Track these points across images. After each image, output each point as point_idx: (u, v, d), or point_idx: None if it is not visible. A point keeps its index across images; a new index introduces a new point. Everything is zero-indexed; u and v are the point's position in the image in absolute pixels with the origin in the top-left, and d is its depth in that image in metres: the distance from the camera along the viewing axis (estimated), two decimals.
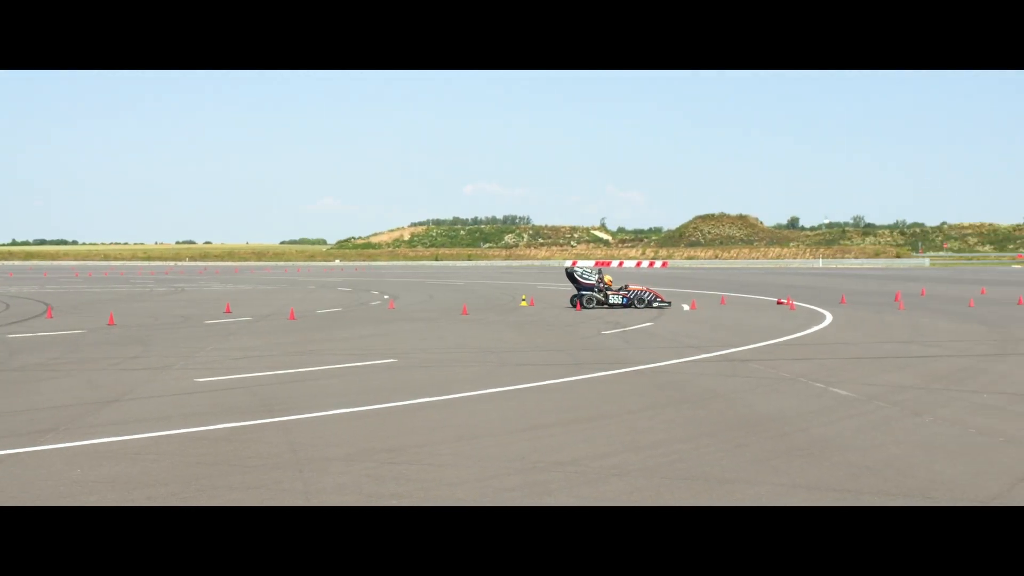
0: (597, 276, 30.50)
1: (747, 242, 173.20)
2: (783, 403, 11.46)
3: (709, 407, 11.25)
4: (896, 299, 33.67)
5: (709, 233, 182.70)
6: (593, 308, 29.30)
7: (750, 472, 7.94)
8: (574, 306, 29.77)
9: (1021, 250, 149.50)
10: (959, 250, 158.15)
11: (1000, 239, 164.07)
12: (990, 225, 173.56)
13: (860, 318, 25.11)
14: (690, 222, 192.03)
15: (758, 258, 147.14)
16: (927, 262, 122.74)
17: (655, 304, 29.45)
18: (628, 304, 29.44)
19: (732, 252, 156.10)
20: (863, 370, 14.40)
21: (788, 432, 9.64)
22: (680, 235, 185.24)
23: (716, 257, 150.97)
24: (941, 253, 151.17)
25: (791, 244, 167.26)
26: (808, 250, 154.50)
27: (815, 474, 7.83)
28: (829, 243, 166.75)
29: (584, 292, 29.88)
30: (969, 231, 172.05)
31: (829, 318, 25.09)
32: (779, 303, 31.85)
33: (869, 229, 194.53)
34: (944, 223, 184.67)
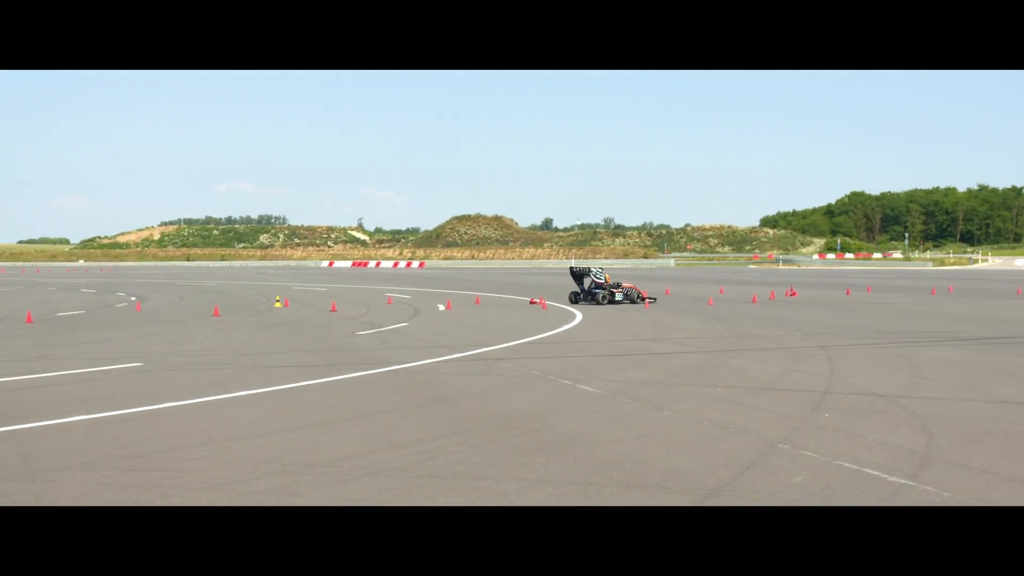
0: (603, 276, 33.10)
1: (503, 243, 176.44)
2: (533, 400, 11.76)
3: (461, 406, 11.41)
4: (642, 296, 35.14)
5: (466, 234, 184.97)
6: (605, 304, 31.36)
7: (498, 468, 8.11)
8: (577, 302, 32.50)
9: (756, 251, 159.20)
10: (701, 251, 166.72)
11: (738, 240, 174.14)
12: (729, 227, 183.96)
13: (608, 317, 26.04)
14: (447, 223, 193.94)
15: (513, 258, 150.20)
16: (672, 262, 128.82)
17: (640, 300, 32.67)
18: (626, 300, 32.45)
19: (488, 252, 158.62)
20: (609, 367, 14.96)
21: (536, 429, 9.91)
22: (437, 236, 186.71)
23: (473, 257, 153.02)
24: (685, 253, 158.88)
25: (545, 245, 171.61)
26: (561, 250, 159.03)
27: (560, 469, 8.09)
28: (581, 244, 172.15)
29: (597, 290, 32.26)
30: (710, 233, 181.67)
31: (579, 317, 25.91)
32: (532, 303, 32.63)
33: (619, 230, 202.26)
34: (688, 225, 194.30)
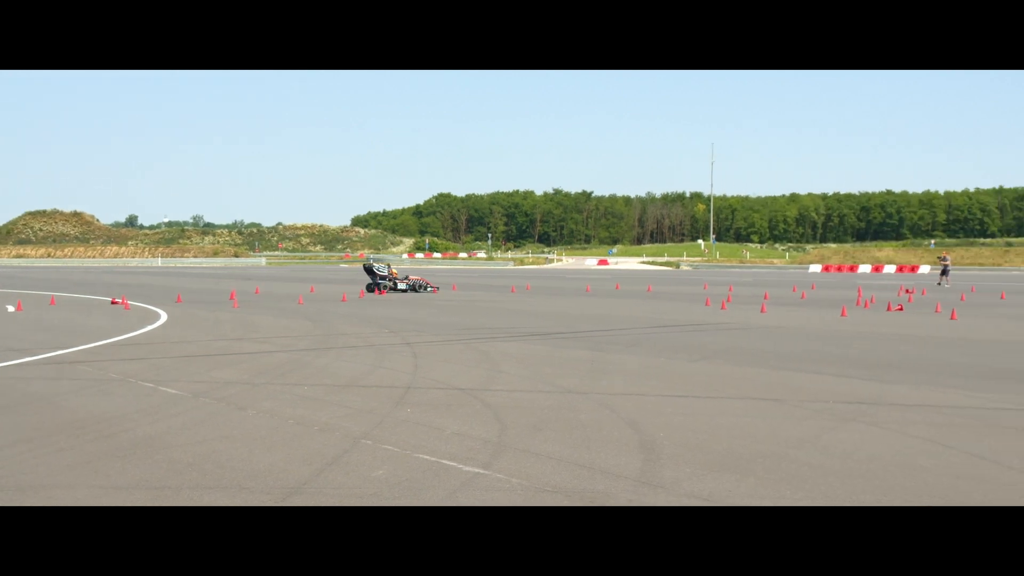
0: (388, 270, 40.09)
1: (83, 240, 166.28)
2: (110, 404, 11.18)
3: (29, 413, 10.62)
4: (231, 297, 34.45)
5: (41, 231, 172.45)
6: (390, 293, 38.34)
7: (70, 476, 7.65)
8: (372, 292, 38.27)
9: (348, 250, 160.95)
10: (293, 250, 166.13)
11: (330, 240, 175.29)
12: (321, 226, 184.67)
13: (195, 316, 25.29)
14: (19, 218, 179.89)
15: (95, 256, 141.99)
16: (263, 261, 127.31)
17: (427, 290, 39.60)
18: (410, 290, 39.24)
19: (66, 250, 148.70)
20: (194, 368, 14.53)
21: (113, 433, 9.44)
22: (8, 232, 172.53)
23: (49, 255, 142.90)
24: (277, 252, 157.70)
25: (130, 243, 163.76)
26: (147, 249, 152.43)
27: (136, 473, 7.76)
28: (169, 242, 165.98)
29: (381, 281, 39.23)
30: (303, 232, 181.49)
31: (164, 317, 24.96)
32: (114, 303, 31.02)
33: (209, 228, 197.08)
34: (280, 224, 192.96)
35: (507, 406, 11.12)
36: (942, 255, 56.82)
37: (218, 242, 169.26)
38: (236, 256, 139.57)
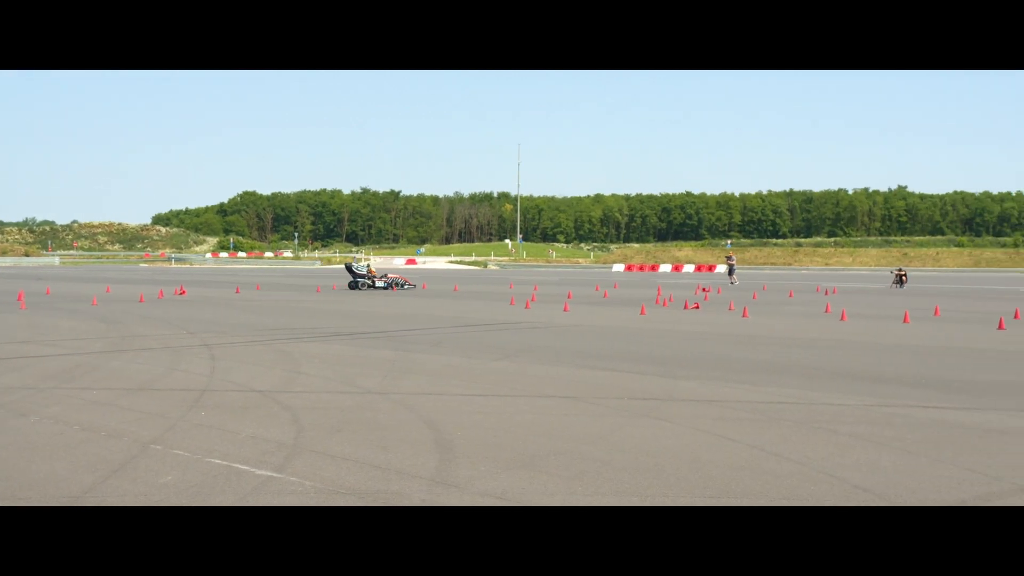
0: (366, 269, 44.38)
1: None
2: None
3: None
4: (19, 298, 32.76)
5: None
6: (368, 290, 41.89)
7: None
8: (354, 289, 42.20)
9: (148, 249, 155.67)
10: (90, 249, 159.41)
11: (129, 238, 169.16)
12: (120, 225, 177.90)
13: None
14: None
15: None
16: (57, 260, 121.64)
17: (405, 287, 43.02)
18: (388, 287, 42.37)
19: None
20: None
21: None
22: None
23: None
24: (72, 252, 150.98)
25: None
26: None
27: None
28: None
29: (359, 279, 42.92)
30: (99, 230, 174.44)
31: None
32: None
33: None
34: (75, 222, 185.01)
35: (306, 408, 10.97)
36: (729, 255, 59.15)
37: (7, 240, 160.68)
38: (27, 255, 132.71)
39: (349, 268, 44.79)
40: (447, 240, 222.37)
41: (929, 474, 7.80)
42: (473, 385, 12.94)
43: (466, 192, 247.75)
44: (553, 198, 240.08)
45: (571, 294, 39.54)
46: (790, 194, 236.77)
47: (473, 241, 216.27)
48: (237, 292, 39.81)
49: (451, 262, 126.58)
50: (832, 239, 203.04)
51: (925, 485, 7.42)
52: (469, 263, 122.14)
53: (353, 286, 42.83)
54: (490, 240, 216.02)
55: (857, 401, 11.60)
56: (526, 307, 30.18)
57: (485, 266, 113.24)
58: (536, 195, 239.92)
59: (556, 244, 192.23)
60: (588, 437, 9.29)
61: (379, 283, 42.68)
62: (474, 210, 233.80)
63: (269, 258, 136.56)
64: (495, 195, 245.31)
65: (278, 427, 9.76)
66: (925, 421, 10.29)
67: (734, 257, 56.70)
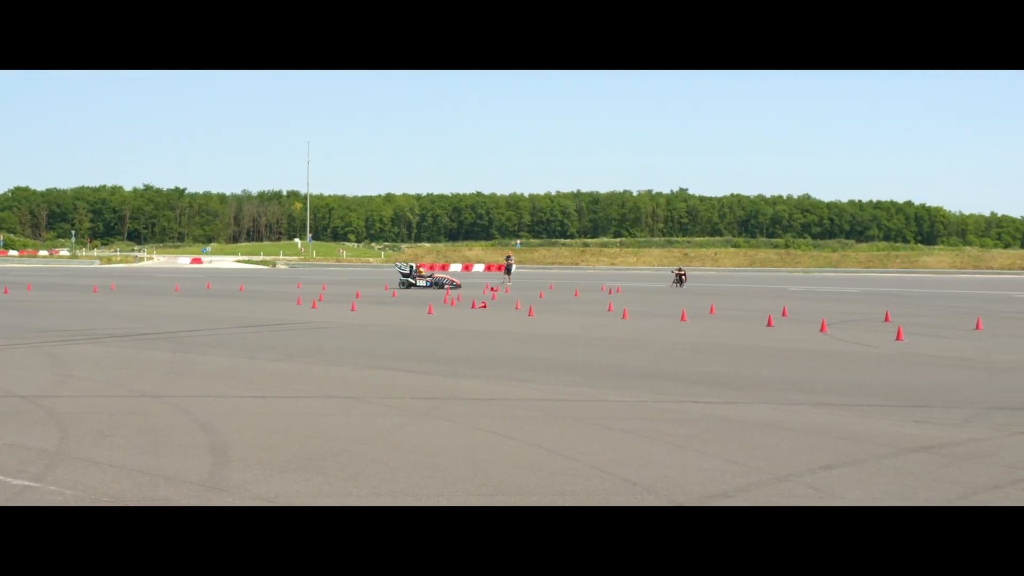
0: (410, 269, 46.35)
1: None
2: None
3: None
4: None
5: None
6: (413, 288, 43.76)
7: None
8: (408, 288, 43.94)
9: None
10: None
11: None
12: None
13: None
14: None
15: None
16: None
17: (451, 287, 44.09)
18: (430, 286, 44.31)
19: None
20: None
21: None
22: None
23: None
24: None
25: None
26: None
27: None
28: None
29: (406, 278, 44.78)
30: None
31: None
32: None
33: None
34: None
35: (73, 413, 10.47)
36: (507, 255, 59.84)
37: None
38: None
39: (408, 273, 46.04)
40: (235, 239, 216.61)
41: (695, 467, 8.12)
42: (253, 387, 12.67)
43: (255, 190, 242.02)
44: (344, 197, 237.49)
45: (359, 294, 39.27)
46: (578, 195, 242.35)
47: (262, 240, 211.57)
48: (6, 292, 37.67)
49: (239, 261, 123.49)
50: (618, 239, 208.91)
51: (691, 478, 7.72)
52: (257, 262, 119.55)
53: (407, 285, 44.69)
54: (279, 239, 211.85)
55: (633, 397, 11.98)
56: (313, 307, 29.79)
57: (274, 265, 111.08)
58: (327, 194, 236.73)
59: (347, 243, 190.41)
60: (367, 438, 9.24)
61: (420, 282, 44.80)
62: (263, 208, 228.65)
63: (44, 256, 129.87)
64: (285, 193, 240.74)
65: (41, 434, 9.28)
66: (696, 416, 10.72)
67: (512, 257, 57.30)
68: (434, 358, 16.21)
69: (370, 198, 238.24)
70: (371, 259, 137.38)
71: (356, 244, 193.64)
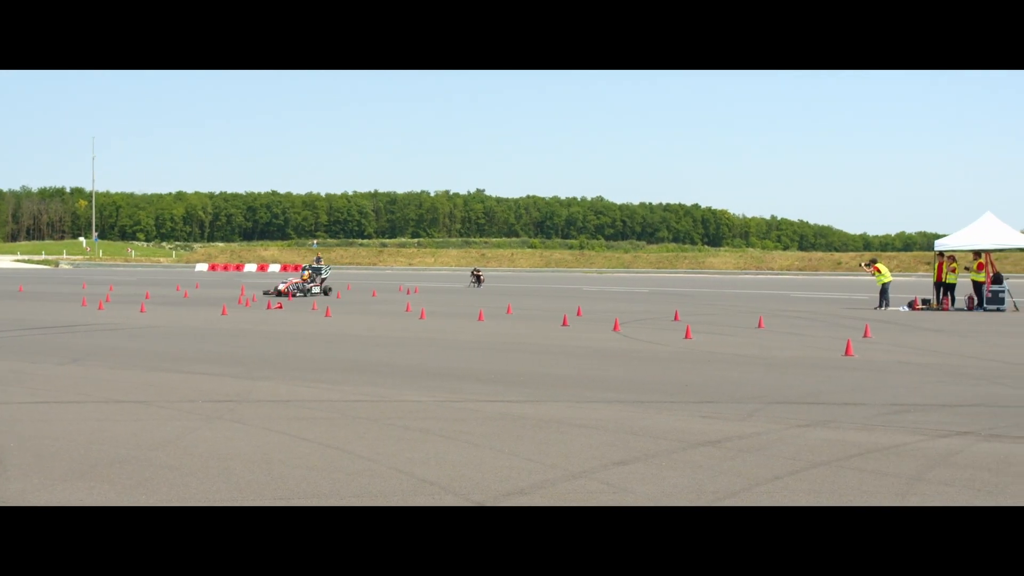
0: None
1: None
2: None
3: None
4: None
5: None
6: None
7: None
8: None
9: None
10: None
11: None
12: None
13: None
14: None
15: None
16: None
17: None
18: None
19: None
20: None
21: None
22: None
23: None
24: None
25: None
26: None
27: None
28: None
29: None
30: None
31: None
32: None
33: None
34: None
35: None
36: (317, 256, 58.87)
37: None
38: None
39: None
40: (13, 237, 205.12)
41: (492, 465, 8.19)
42: (35, 392, 12.06)
43: (35, 186, 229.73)
44: (133, 195, 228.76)
45: (149, 294, 37.90)
46: (375, 195, 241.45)
47: (44, 239, 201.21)
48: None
49: (17, 261, 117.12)
50: (416, 240, 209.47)
51: (488, 476, 7.78)
52: (39, 262, 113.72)
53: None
54: (63, 238, 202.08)
55: (430, 397, 12.00)
56: (100, 308, 28.57)
57: (57, 265, 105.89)
58: (114, 191, 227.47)
59: (136, 243, 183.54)
60: (157, 443, 8.91)
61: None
62: (44, 206, 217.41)
63: None
64: (68, 191, 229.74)
65: None
66: (492, 414, 10.82)
67: (321, 258, 56.44)
68: (228, 360, 15.80)
69: (160, 196, 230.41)
70: (162, 259, 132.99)
71: (146, 243, 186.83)
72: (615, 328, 22.81)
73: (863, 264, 35.04)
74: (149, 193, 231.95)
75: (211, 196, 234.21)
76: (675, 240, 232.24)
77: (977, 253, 31.53)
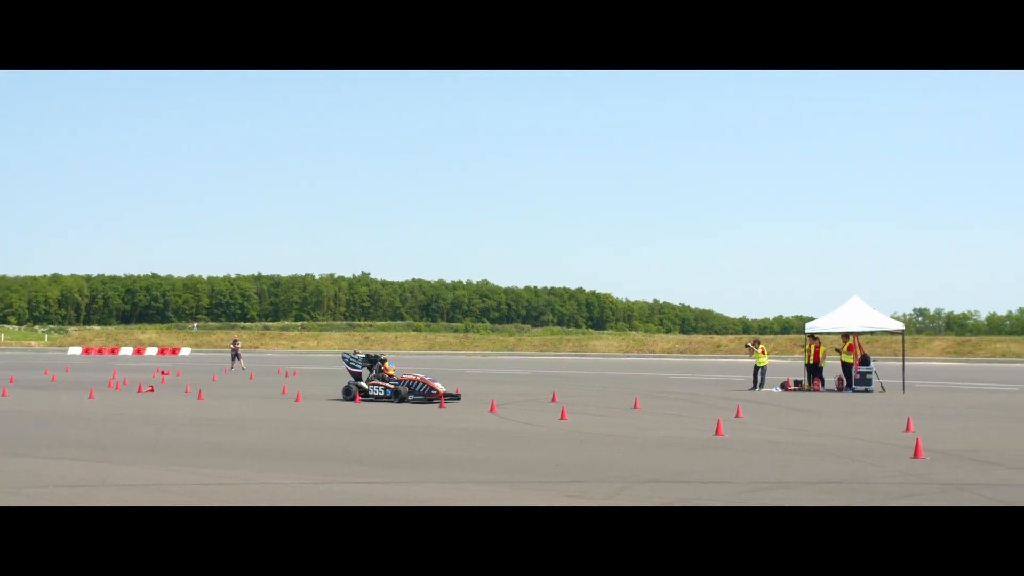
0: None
1: None
2: None
3: None
4: None
5: None
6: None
7: None
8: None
9: None
10: None
11: None
12: None
13: None
14: None
15: None
16: None
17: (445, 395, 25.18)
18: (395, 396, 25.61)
19: None
20: None
21: None
22: None
23: None
24: None
25: None
26: None
27: None
28: None
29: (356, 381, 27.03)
30: None
31: None
32: None
33: None
34: None
35: None
36: (234, 339, 57.38)
37: None
38: None
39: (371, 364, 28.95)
40: None
41: None
42: None
43: None
44: (5, 277, 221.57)
45: (13, 378, 36.54)
46: (258, 278, 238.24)
47: None
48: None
49: None
50: (299, 323, 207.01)
51: None
52: None
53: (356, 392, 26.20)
54: None
55: (296, 479, 11.73)
56: None
57: None
58: None
59: (7, 326, 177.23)
60: None
61: (375, 390, 26.19)
62: None
63: None
64: None
65: None
66: (357, 496, 10.62)
67: (239, 342, 54.86)
68: (89, 444, 15.28)
69: (34, 278, 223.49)
70: (33, 342, 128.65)
71: (18, 327, 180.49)
72: (491, 410, 22.73)
73: (748, 344, 35.88)
74: (22, 275, 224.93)
75: (88, 278, 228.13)
76: (560, 323, 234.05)
77: (846, 335, 32.52)
